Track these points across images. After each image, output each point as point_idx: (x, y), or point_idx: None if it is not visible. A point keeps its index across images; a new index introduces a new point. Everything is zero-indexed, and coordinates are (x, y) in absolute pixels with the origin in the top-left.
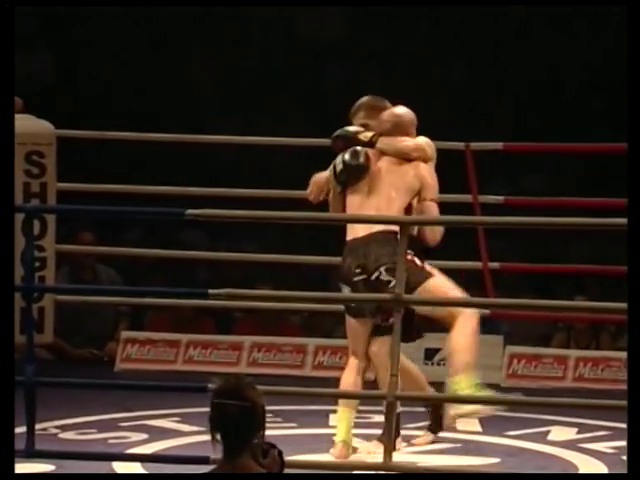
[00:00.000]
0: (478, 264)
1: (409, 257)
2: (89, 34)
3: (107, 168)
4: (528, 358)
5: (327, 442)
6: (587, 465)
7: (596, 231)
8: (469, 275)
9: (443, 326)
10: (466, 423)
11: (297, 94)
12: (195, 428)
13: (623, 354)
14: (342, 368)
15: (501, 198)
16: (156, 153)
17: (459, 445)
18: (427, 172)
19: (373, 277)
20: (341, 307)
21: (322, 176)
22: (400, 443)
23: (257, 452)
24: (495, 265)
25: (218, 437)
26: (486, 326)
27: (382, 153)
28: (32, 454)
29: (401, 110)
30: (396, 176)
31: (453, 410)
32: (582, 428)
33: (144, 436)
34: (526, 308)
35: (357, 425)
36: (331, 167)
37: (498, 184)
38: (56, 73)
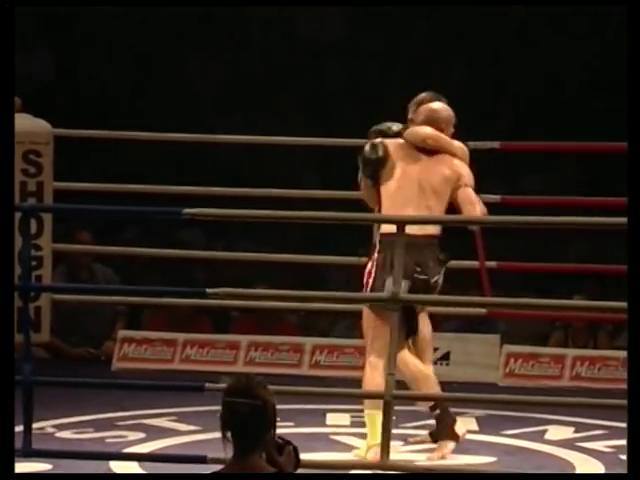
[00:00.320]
0: (475, 263)
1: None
2: (88, 33)
3: (104, 167)
4: (525, 357)
5: (324, 441)
6: (584, 464)
7: (594, 230)
8: (466, 274)
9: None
10: (463, 422)
11: (297, 94)
12: (192, 427)
13: (620, 353)
14: (339, 367)
15: (498, 197)
16: (155, 152)
17: (461, 439)
18: (460, 164)
19: (432, 280)
20: (337, 306)
21: None
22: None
23: (272, 449)
24: (492, 264)
25: (229, 436)
26: (483, 325)
27: (416, 147)
28: (29, 453)
29: (437, 105)
30: (434, 178)
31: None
32: (579, 427)
33: (141, 435)
34: (523, 307)
35: (355, 424)
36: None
37: (495, 183)
38: (55, 72)
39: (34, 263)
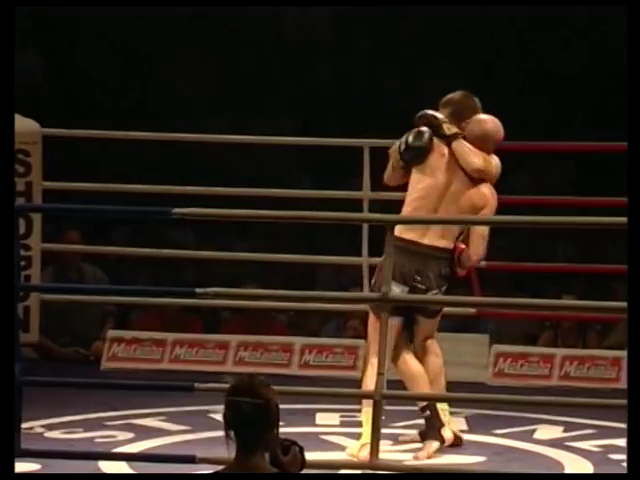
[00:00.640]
0: None
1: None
2: (77, 33)
3: (93, 167)
4: (514, 357)
5: (314, 441)
6: (573, 464)
7: (583, 230)
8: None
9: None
10: (452, 422)
11: (285, 93)
12: (181, 427)
13: (609, 353)
14: (328, 367)
15: None
16: (144, 152)
17: (445, 443)
18: (489, 191)
19: (430, 293)
20: (327, 306)
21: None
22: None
23: (276, 449)
24: (481, 264)
25: (232, 435)
26: (472, 325)
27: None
28: (18, 453)
29: (490, 125)
30: (462, 200)
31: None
32: (568, 427)
33: (130, 435)
34: (512, 307)
35: (345, 424)
36: (398, 142)
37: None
38: (44, 72)
39: (23, 263)
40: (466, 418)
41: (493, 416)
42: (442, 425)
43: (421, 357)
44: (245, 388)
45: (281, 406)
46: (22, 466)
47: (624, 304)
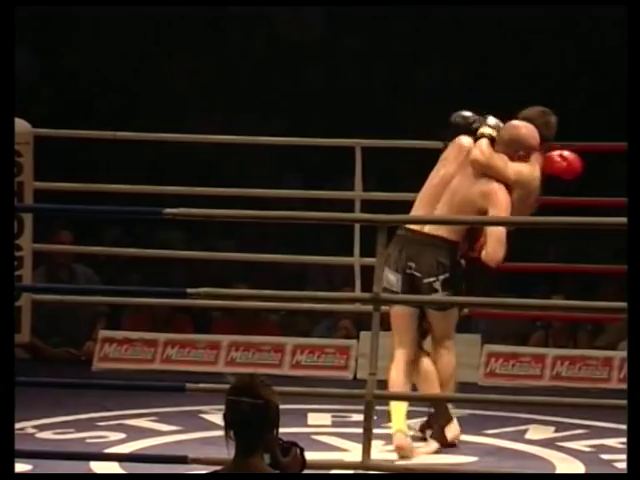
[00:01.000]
0: None
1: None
2: (70, 33)
3: (84, 167)
4: (506, 357)
5: (305, 440)
6: (564, 464)
7: (574, 230)
8: None
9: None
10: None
11: (277, 93)
12: (173, 427)
13: (600, 353)
14: (320, 367)
15: None
16: (135, 152)
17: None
18: (497, 192)
19: (425, 281)
20: (318, 306)
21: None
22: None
23: (276, 450)
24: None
25: (232, 435)
26: (464, 325)
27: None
28: None
29: (522, 131)
30: (465, 194)
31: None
32: (559, 427)
33: (122, 435)
34: (504, 307)
35: (336, 424)
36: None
37: None
38: (35, 73)
39: (14, 263)
40: (457, 418)
41: (484, 416)
42: (447, 423)
43: (434, 357)
44: (244, 388)
45: None
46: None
47: (615, 304)
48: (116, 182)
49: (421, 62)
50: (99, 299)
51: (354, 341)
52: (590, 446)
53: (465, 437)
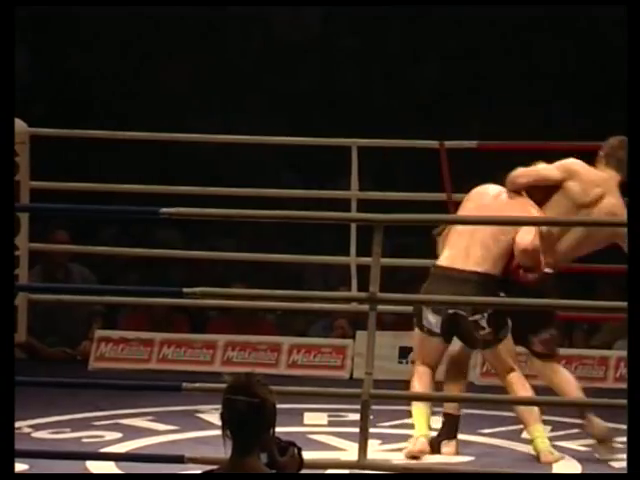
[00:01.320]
0: None
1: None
2: (66, 33)
3: (81, 167)
4: None
5: (302, 440)
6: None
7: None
8: None
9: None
10: (436, 422)
11: (275, 93)
12: (169, 427)
13: (596, 352)
14: (316, 367)
15: None
16: (133, 152)
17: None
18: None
19: (471, 319)
20: (314, 306)
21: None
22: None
23: (273, 450)
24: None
25: (228, 433)
26: None
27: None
28: None
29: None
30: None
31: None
32: (556, 426)
33: (118, 435)
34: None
35: (333, 424)
36: None
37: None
38: (32, 72)
39: None
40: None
41: (480, 415)
42: (446, 439)
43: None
44: (241, 387)
45: None
46: None
47: (611, 303)
48: (113, 182)
49: (419, 62)
50: (95, 299)
51: (350, 341)
52: (586, 445)
53: (461, 436)
